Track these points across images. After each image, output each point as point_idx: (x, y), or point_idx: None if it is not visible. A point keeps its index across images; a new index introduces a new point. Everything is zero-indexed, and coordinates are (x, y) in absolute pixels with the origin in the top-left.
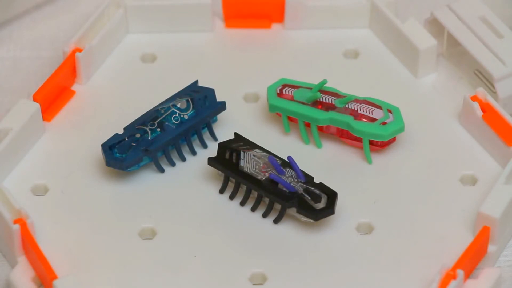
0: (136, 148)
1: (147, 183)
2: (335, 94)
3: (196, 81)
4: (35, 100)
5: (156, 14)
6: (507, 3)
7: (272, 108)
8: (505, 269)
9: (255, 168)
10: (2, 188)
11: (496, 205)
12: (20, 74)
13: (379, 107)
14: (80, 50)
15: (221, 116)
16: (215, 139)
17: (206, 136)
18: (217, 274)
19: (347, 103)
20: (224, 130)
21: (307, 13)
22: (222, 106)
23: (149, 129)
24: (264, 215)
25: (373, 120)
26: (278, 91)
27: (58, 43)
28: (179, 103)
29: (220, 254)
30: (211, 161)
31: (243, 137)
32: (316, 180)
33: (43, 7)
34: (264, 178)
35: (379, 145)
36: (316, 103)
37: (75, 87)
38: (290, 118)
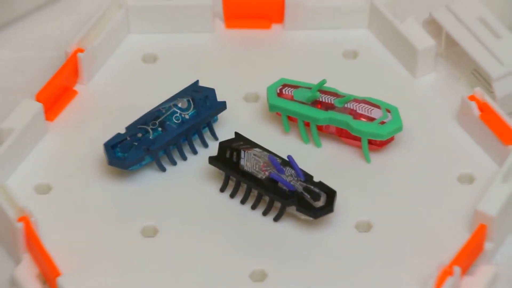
0: (138, 147)
1: (149, 182)
2: (334, 94)
3: (197, 81)
4: (37, 100)
5: (157, 14)
6: (506, 3)
7: (272, 107)
8: (501, 267)
9: (255, 167)
10: (6, 187)
11: (493, 204)
12: (22, 74)
13: (378, 107)
14: (82, 51)
15: (221, 115)
16: (216, 138)
17: (207, 135)
18: (218, 272)
19: (346, 102)
20: (225, 129)
21: (306, 14)
22: (222, 106)
23: (151, 128)
24: (264, 213)
25: (371, 119)
26: (278, 91)
27: (60, 43)
28: (180, 103)
29: (221, 252)
30: (212, 160)
31: (244, 136)
32: (316, 179)
33: (45, 7)
34: (264, 177)
35: (377, 144)
36: (315, 103)
37: (77, 87)
38: (290, 118)
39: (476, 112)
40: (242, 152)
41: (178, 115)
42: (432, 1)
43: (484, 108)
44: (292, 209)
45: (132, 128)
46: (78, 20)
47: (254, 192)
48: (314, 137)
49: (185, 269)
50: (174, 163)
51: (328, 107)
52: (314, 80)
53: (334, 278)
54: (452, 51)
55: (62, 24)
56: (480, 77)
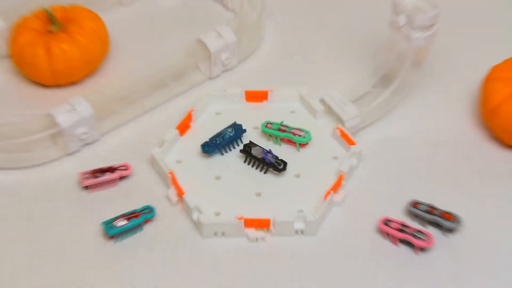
0: (213, 146)
1: (217, 159)
2: (286, 126)
3: (235, 122)
4: (176, 128)
5: (221, 98)
6: (351, 91)
7: (263, 131)
8: (348, 191)
9: (257, 153)
10: (165, 160)
11: (345, 166)
12: (172, 119)
13: (302, 131)
14: (192, 110)
15: (244, 134)
16: (242, 142)
17: (239, 141)
18: (242, 191)
19: (290, 129)
20: (246, 139)
21: (275, 97)
22: (245, 130)
23: (218, 139)
24: (260, 170)
25: (300, 135)
26: (265, 125)
27: (186, 109)
28: (229, 129)
29: (245, 185)
30: (240, 150)
31: (253, 142)
32: (279, 157)
33: (185, 93)
34: (260, 157)
35: (302, 145)
36: (279, 129)
37: (191, 124)
38: (270, 135)
39: (338, 133)
40: (252, 147)
41: (228, 133)
42: (324, 90)
43: (341, 131)
44: (270, 169)
45: (211, 139)
46: (192, 100)
47: (256, 163)
48: (278, 142)
49: (230, 188)
50: (226, 152)
51: (284, 131)
52: (279, 120)
53: (286, 196)
54: (327, 110)
55: (189, 101)
56: (340, 120)
